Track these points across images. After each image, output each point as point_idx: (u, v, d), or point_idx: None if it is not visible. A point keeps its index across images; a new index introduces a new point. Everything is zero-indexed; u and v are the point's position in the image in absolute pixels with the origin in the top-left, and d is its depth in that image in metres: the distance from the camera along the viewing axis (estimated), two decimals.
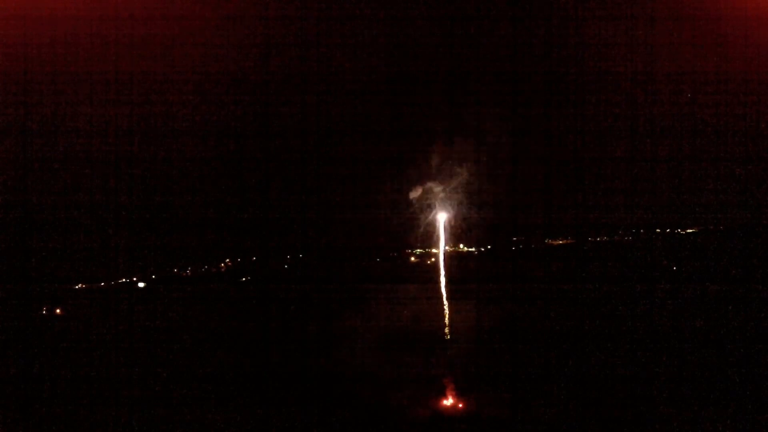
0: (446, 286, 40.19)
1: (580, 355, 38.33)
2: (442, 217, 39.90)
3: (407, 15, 41.48)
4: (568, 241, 42.50)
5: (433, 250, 41.75)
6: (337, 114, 41.59)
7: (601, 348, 38.39)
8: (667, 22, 41.24)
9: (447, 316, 38.99)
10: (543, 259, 41.94)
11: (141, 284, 42.02)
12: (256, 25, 41.34)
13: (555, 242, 42.55)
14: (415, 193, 39.93)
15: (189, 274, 42.93)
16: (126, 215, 41.20)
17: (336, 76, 41.65)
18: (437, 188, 39.73)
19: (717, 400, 35.65)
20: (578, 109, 41.37)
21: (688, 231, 42.56)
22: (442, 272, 40.59)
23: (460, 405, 36.70)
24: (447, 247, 41.39)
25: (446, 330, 38.76)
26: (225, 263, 43.07)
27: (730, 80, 41.00)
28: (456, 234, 40.84)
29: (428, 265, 41.91)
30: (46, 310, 41.02)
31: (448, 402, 36.91)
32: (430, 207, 39.75)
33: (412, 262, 42.42)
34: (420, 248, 42.16)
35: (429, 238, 40.78)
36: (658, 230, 42.39)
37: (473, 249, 42.42)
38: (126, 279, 41.91)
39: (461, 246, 42.07)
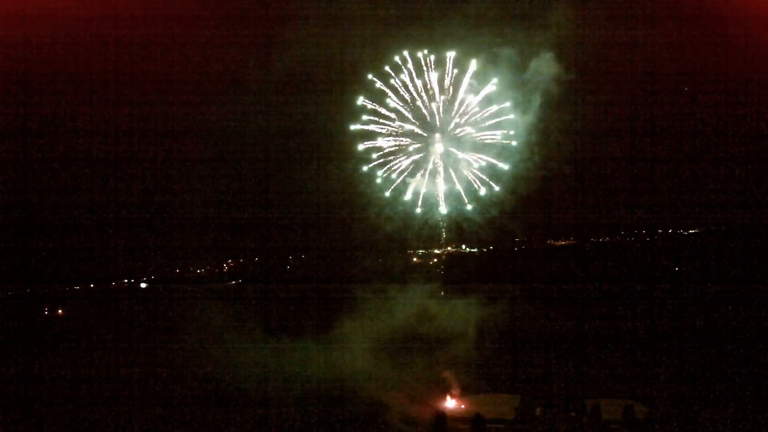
0: (448, 287, 40.30)
1: (581, 355, 38.37)
2: (444, 217, 39.97)
3: (407, 15, 41.54)
4: (570, 242, 42.60)
5: (436, 251, 41.85)
6: (337, 114, 41.64)
7: (601, 348, 38.45)
8: (667, 22, 41.32)
9: (449, 316, 39.03)
10: (544, 259, 42.06)
11: (142, 284, 42.02)
12: (256, 25, 41.38)
13: (557, 243, 42.64)
14: (417, 193, 40.05)
15: (190, 274, 42.96)
16: (126, 215, 41.18)
17: (336, 76, 41.69)
18: (439, 187, 39.82)
19: (717, 400, 35.67)
20: (578, 109, 41.45)
21: (690, 231, 42.70)
22: (444, 273, 40.77)
23: (463, 405, 36.75)
24: (449, 248, 41.50)
25: (448, 330, 38.79)
26: (227, 263, 43.10)
27: (730, 80, 41.09)
28: (458, 234, 40.96)
29: (430, 265, 42.00)
30: (47, 311, 41.03)
31: (451, 402, 36.96)
32: (432, 207, 39.85)
33: (414, 263, 42.49)
34: (422, 248, 42.23)
35: (431, 239, 40.89)
36: (659, 231, 42.50)
37: (475, 249, 42.50)
38: (127, 279, 41.91)
39: (463, 246, 42.18)
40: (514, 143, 39.02)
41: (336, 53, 41.48)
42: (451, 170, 39.77)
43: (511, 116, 39.13)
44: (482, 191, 39.24)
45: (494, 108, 39.49)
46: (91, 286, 41.68)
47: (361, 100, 39.99)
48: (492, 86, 39.20)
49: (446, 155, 39.73)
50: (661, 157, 41.72)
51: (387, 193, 39.94)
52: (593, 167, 41.78)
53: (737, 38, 40.66)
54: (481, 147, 39.71)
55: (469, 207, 40.13)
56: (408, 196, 40.29)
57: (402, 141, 40.06)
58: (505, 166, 39.13)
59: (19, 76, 40.07)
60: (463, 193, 40.13)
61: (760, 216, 41.22)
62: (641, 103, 41.77)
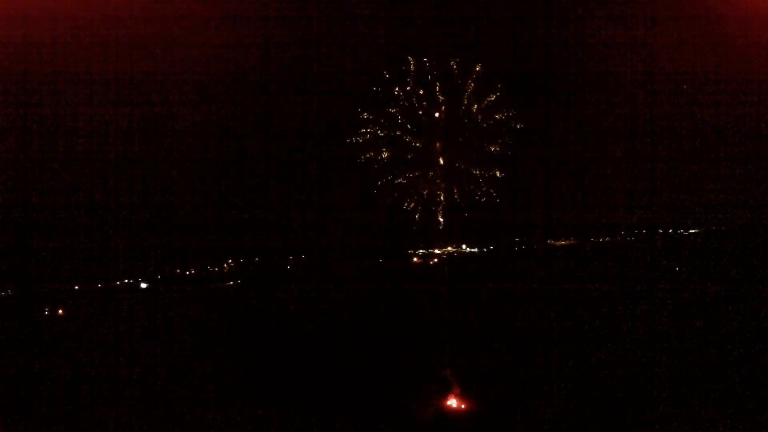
0: (448, 287, 40.31)
1: (581, 355, 38.31)
2: (444, 217, 40.02)
3: (407, 15, 41.52)
4: (570, 242, 42.60)
5: (436, 251, 41.87)
6: (337, 114, 41.65)
7: (601, 348, 38.39)
8: (667, 22, 41.32)
9: (449, 316, 39.07)
10: (545, 259, 42.04)
11: (143, 285, 41.98)
12: (256, 25, 41.33)
13: (557, 243, 42.65)
14: (417, 193, 40.09)
15: (190, 274, 42.89)
16: (126, 215, 41.13)
17: (336, 76, 41.68)
18: (439, 187, 39.88)
19: (717, 400, 35.64)
20: (578, 109, 41.44)
21: (691, 231, 42.68)
22: (445, 273, 40.75)
23: (464, 405, 36.73)
24: (449, 248, 41.53)
25: (448, 330, 38.83)
26: (228, 264, 43.05)
27: (730, 80, 41.11)
28: (458, 234, 41.01)
29: (430, 265, 42.03)
30: (47, 311, 40.97)
31: (452, 402, 36.94)
32: (432, 206, 39.90)
33: (414, 263, 42.52)
34: (422, 248, 42.28)
35: (431, 239, 40.94)
36: (660, 231, 42.47)
37: (475, 249, 42.51)
38: (127, 280, 41.85)
39: (463, 246, 42.19)
40: (512, 150, 39.24)
41: (337, 56, 41.52)
42: (451, 173, 39.90)
43: (517, 125, 39.31)
44: (482, 192, 39.36)
45: (496, 113, 39.69)
46: (91, 286, 41.58)
47: (361, 105, 40.12)
48: (495, 93, 39.38)
49: (447, 157, 39.85)
50: (661, 157, 41.74)
51: (387, 197, 40.08)
52: (593, 167, 41.84)
53: (737, 38, 40.71)
54: (482, 150, 39.86)
55: (469, 207, 40.26)
56: (408, 199, 40.40)
57: (402, 146, 40.22)
58: (504, 168, 39.26)
59: (19, 76, 40.11)
60: (463, 195, 40.24)
61: (760, 216, 41.24)
62: (641, 103, 41.79)
